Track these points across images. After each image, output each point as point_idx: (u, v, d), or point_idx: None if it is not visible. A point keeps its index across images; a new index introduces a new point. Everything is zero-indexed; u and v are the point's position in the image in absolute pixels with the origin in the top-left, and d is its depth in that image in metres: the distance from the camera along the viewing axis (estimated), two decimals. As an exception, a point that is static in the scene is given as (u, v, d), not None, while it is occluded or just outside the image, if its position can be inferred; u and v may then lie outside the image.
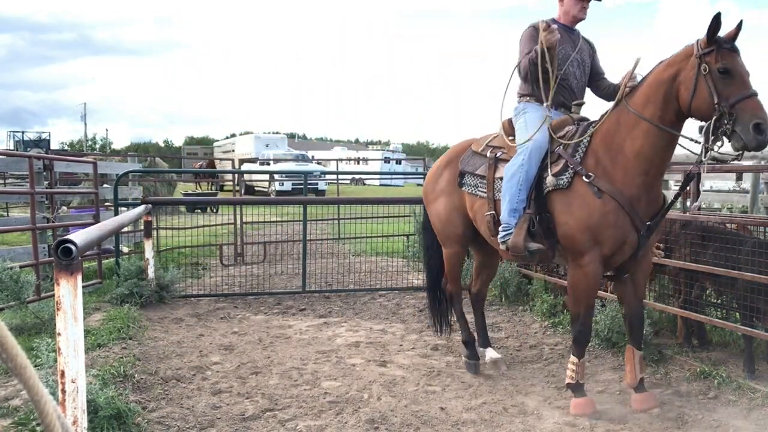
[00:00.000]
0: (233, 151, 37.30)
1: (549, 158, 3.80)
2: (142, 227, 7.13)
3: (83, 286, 3.45)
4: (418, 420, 3.64)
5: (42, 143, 37.60)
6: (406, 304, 6.89)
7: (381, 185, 33.34)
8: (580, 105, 4.10)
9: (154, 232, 8.19)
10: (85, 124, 59.48)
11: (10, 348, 0.90)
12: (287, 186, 22.69)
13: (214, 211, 14.58)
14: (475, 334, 4.85)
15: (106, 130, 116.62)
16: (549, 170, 3.74)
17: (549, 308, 6.01)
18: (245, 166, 23.74)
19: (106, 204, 8.78)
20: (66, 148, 57.23)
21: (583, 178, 3.61)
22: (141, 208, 6.43)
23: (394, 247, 10.55)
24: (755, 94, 3.20)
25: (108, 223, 3.87)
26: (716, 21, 3.22)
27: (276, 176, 22.27)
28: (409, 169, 38.23)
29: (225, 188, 20.11)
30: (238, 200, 11.22)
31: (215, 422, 3.61)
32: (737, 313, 4.56)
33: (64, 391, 2.40)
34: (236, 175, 14.08)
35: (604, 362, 4.77)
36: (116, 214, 6.88)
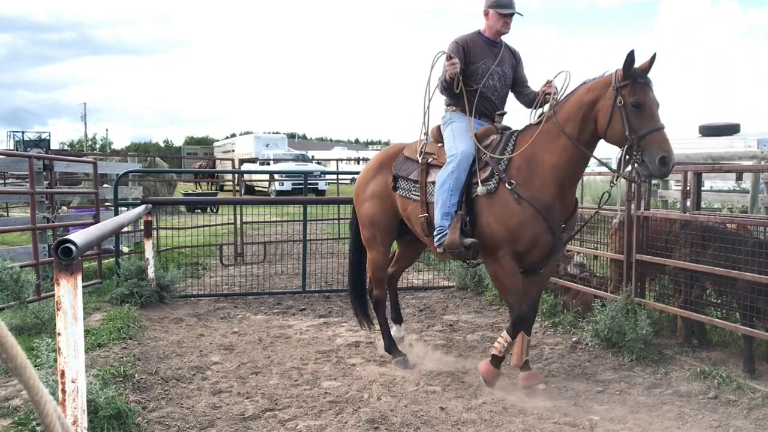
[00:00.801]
0: (233, 151, 37.27)
1: (477, 165, 4.10)
2: (142, 227, 7.13)
3: (83, 286, 3.45)
4: (418, 420, 3.64)
5: (42, 143, 37.64)
6: (406, 304, 6.89)
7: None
8: (502, 115, 4.43)
9: (154, 232, 8.19)
10: (85, 124, 59.62)
11: (10, 348, 0.90)
12: (287, 186, 22.68)
13: (214, 211, 14.58)
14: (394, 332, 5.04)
15: (106, 130, 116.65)
16: (477, 176, 4.05)
17: (549, 308, 6.01)
18: (245, 166, 23.73)
19: (106, 204, 8.78)
20: (66, 148, 57.29)
21: (506, 185, 3.95)
22: (141, 208, 6.43)
23: (394, 246, 10.54)
24: (662, 128, 3.59)
25: (108, 223, 3.87)
26: (630, 57, 3.58)
27: (276, 176, 22.27)
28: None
29: (225, 188, 20.11)
30: (238, 200, 11.22)
31: (215, 422, 3.61)
32: (737, 313, 4.56)
33: (64, 391, 2.40)
34: (236, 175, 14.06)
35: (604, 362, 4.77)
36: (116, 214, 6.89)
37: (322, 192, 22.23)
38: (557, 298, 6.19)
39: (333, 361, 4.80)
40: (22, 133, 40.72)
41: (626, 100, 3.60)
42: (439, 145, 4.42)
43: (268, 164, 25.61)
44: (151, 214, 6.98)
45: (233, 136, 54.51)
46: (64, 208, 9.81)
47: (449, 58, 4.17)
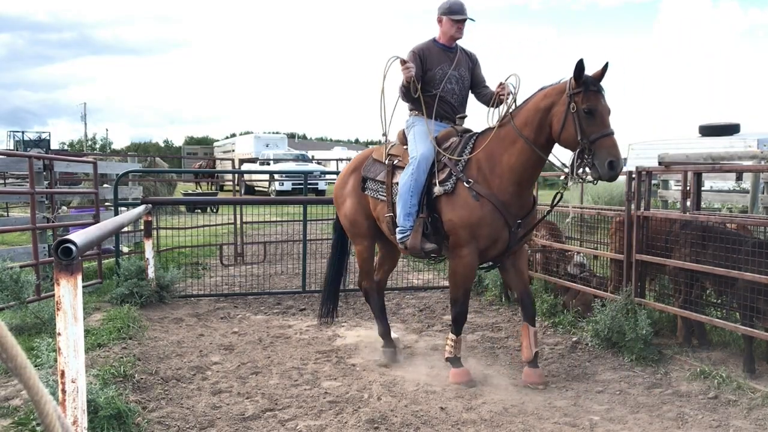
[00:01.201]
0: (233, 151, 37.25)
1: (436, 167, 4.30)
2: (142, 227, 7.13)
3: (83, 286, 3.45)
4: (418, 420, 3.64)
5: (42, 143, 37.63)
6: (406, 304, 6.90)
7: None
8: (463, 118, 4.63)
9: (154, 232, 8.18)
10: (85, 124, 59.58)
11: (10, 348, 0.90)
12: (287, 186, 22.68)
13: (214, 211, 14.58)
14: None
15: (106, 130, 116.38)
16: (436, 178, 4.25)
17: (549, 308, 6.01)
18: (245, 166, 23.72)
19: (106, 204, 8.77)
20: (66, 148, 57.26)
21: (464, 183, 4.15)
22: (141, 208, 6.43)
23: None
24: (612, 133, 3.80)
25: (108, 223, 3.87)
26: (580, 66, 3.79)
27: (276, 176, 22.27)
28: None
29: (225, 188, 20.11)
30: (238, 200, 11.22)
31: (215, 422, 3.61)
32: (737, 313, 4.56)
33: (64, 391, 2.40)
34: (236, 175, 14.06)
35: (605, 362, 4.77)
36: (116, 214, 6.88)
37: (322, 192, 22.21)
38: (557, 298, 6.19)
39: (333, 361, 4.80)
40: (22, 133, 40.75)
41: (579, 107, 3.79)
42: (404, 147, 4.62)
43: (268, 164, 25.60)
44: (151, 214, 6.98)
45: (233, 136, 54.45)
46: (64, 208, 9.80)
47: (403, 62, 4.33)
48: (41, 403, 0.94)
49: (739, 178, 8.45)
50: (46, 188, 6.89)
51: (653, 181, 7.36)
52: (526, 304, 4.43)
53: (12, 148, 35.87)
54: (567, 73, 3.95)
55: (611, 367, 4.65)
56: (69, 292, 2.37)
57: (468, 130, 4.54)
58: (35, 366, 3.44)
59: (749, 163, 7.37)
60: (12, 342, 0.90)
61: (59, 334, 2.38)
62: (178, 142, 70.34)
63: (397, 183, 4.44)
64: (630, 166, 10.66)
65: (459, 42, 4.64)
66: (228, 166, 24.85)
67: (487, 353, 5.07)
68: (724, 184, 11.57)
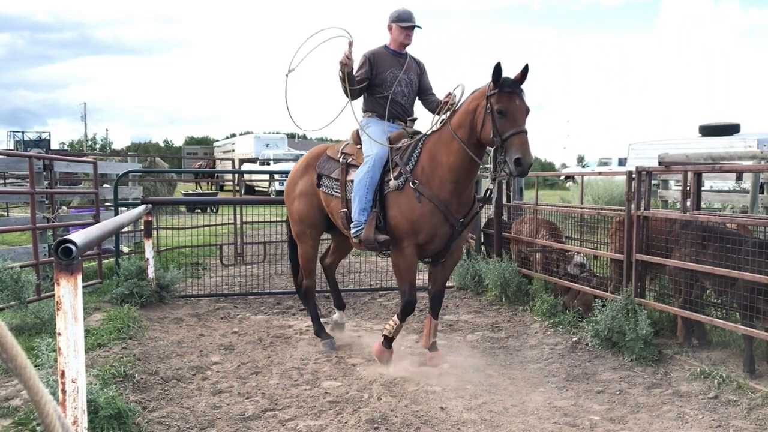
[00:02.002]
0: (233, 151, 37.24)
1: (389, 165, 4.55)
2: (142, 227, 7.13)
3: (83, 286, 3.44)
4: (419, 420, 3.64)
5: (42, 143, 37.61)
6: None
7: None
8: (414, 120, 4.89)
9: (154, 232, 8.18)
10: (85, 124, 59.52)
11: (10, 348, 0.90)
12: (287, 186, 22.59)
13: (214, 211, 14.58)
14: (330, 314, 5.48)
15: (106, 130, 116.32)
16: (390, 175, 4.51)
17: (549, 308, 6.01)
18: (245, 166, 23.70)
19: (106, 204, 8.77)
20: (66, 148, 57.26)
21: (411, 184, 4.41)
22: (141, 208, 6.43)
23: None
24: (521, 132, 3.99)
25: (108, 223, 3.87)
26: (497, 69, 4.02)
27: (276, 176, 22.26)
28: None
29: (225, 188, 20.11)
30: (238, 200, 11.21)
31: (215, 422, 3.61)
32: (737, 313, 4.56)
33: (64, 391, 2.40)
34: (236, 175, 14.05)
35: (605, 362, 4.77)
36: (116, 214, 6.88)
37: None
38: (557, 298, 6.19)
39: (333, 361, 4.80)
40: (22, 133, 40.72)
41: (494, 107, 4.04)
42: (358, 146, 4.84)
43: (268, 164, 25.60)
44: (151, 214, 6.97)
45: (233, 136, 54.40)
46: (64, 208, 9.80)
47: (350, 45, 4.50)
48: (41, 403, 0.94)
49: (739, 178, 8.45)
50: (46, 188, 6.89)
51: (653, 181, 7.36)
52: (436, 300, 4.82)
53: (12, 148, 35.87)
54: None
55: (611, 367, 4.65)
56: (69, 292, 2.37)
57: (418, 132, 4.77)
58: (35, 366, 3.44)
59: (749, 163, 7.37)
60: (12, 342, 0.90)
61: (59, 334, 2.38)
62: (178, 142, 70.34)
63: (352, 180, 4.66)
64: (630, 166, 10.66)
65: (408, 49, 4.92)
66: (228, 166, 24.85)
67: (487, 353, 5.07)
68: (724, 184, 11.57)
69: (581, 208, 6.83)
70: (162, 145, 70.69)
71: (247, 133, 43.13)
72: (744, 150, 14.06)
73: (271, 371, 4.54)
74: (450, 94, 4.53)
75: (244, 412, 3.76)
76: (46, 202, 6.91)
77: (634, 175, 5.31)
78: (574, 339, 5.31)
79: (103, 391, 3.34)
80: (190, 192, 18.07)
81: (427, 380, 4.35)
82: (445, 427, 3.56)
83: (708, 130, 18.77)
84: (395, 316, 4.70)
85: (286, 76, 4.66)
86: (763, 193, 8.05)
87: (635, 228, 5.21)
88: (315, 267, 5.41)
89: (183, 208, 14.51)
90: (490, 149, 4.18)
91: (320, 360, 4.83)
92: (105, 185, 9.89)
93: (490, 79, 4.10)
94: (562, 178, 31.51)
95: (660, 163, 5.83)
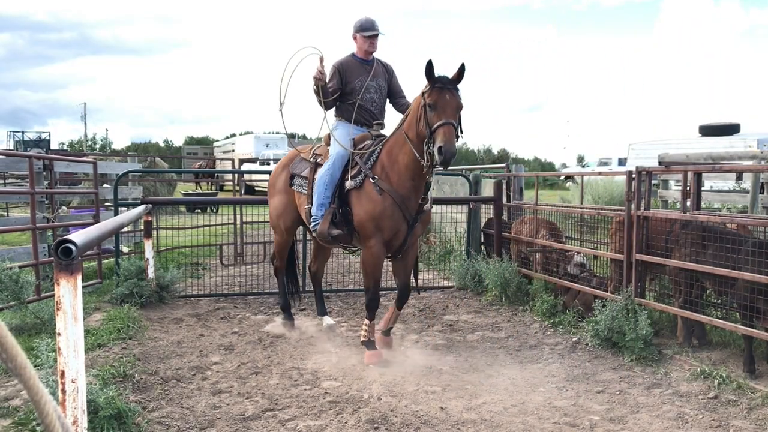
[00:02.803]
0: (233, 151, 37.24)
1: (350, 164, 4.85)
2: (142, 227, 7.13)
3: (83, 286, 3.45)
4: (419, 420, 3.64)
5: (42, 143, 37.60)
6: (406, 303, 6.88)
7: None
8: (380, 124, 5.17)
9: (154, 232, 8.18)
10: (85, 124, 59.61)
11: (10, 348, 0.90)
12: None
13: (214, 211, 14.57)
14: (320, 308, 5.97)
15: (106, 130, 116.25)
16: (349, 174, 4.80)
17: (549, 308, 6.01)
18: (245, 166, 23.68)
19: (106, 204, 8.77)
20: (66, 148, 57.24)
21: (370, 180, 4.69)
22: (141, 208, 6.42)
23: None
24: (446, 124, 4.21)
25: (108, 223, 3.87)
26: (429, 66, 4.31)
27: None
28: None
29: (225, 188, 20.10)
30: (238, 200, 11.20)
31: (215, 422, 3.61)
32: (737, 313, 4.56)
33: (64, 391, 2.40)
34: (236, 175, 14.04)
35: (605, 362, 4.77)
36: (116, 214, 6.88)
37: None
38: (557, 298, 6.19)
39: (333, 361, 4.80)
40: (22, 133, 40.70)
41: (426, 102, 4.33)
42: (328, 148, 5.13)
43: (268, 164, 25.58)
44: (151, 214, 6.97)
45: (233, 136, 54.38)
46: (64, 208, 9.80)
47: (321, 61, 4.83)
48: (41, 403, 0.94)
49: (739, 178, 8.44)
50: (46, 188, 6.89)
51: (653, 181, 7.36)
52: (402, 293, 5.12)
53: (12, 148, 35.86)
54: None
55: (611, 367, 4.65)
56: (69, 292, 2.37)
57: (381, 135, 5.06)
58: (35, 366, 3.44)
59: (749, 163, 7.37)
60: (12, 342, 0.90)
61: (59, 334, 2.38)
62: (178, 142, 70.33)
63: None
64: (630, 166, 10.65)
65: (376, 54, 5.16)
66: (228, 166, 24.84)
67: (487, 353, 5.07)
68: (724, 184, 11.57)
69: (581, 208, 6.82)
70: (162, 145, 70.72)
71: (247, 133, 43.11)
72: (744, 150, 14.06)
73: (271, 371, 4.54)
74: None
75: (244, 412, 3.76)
76: (46, 202, 6.91)
77: (634, 175, 5.31)
78: (574, 339, 5.31)
79: (102, 391, 3.34)
80: (190, 192, 18.06)
81: (427, 380, 4.36)
82: (445, 427, 3.56)
83: (708, 130, 18.77)
84: (365, 319, 4.96)
85: (280, 111, 5.01)
86: (763, 193, 8.05)
87: (635, 228, 5.21)
88: (286, 253, 5.87)
89: (183, 208, 14.51)
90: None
91: (320, 360, 4.83)
92: (105, 185, 9.88)
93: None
94: (562, 178, 31.51)
95: (660, 163, 5.82)
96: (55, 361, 2.53)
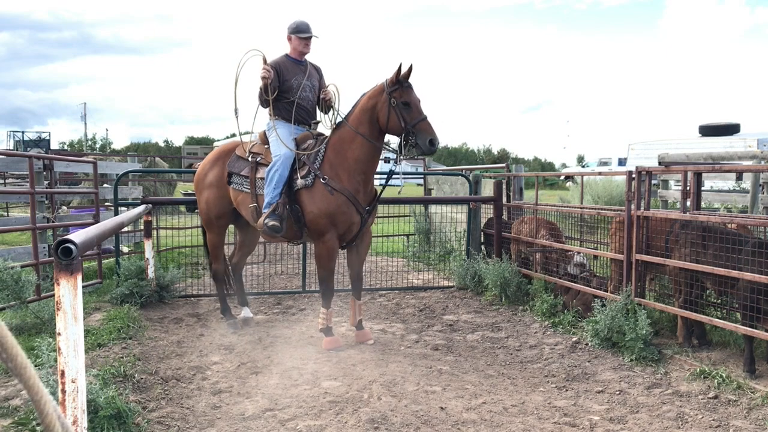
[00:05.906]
0: (233, 151, 37.16)
1: (297, 164, 5.06)
2: (142, 227, 7.13)
3: (83, 286, 3.45)
4: (419, 420, 3.64)
5: (42, 143, 37.59)
6: (406, 304, 6.89)
7: (380, 185, 33.22)
8: (317, 123, 5.40)
9: (154, 232, 8.18)
10: (85, 123, 59.55)
11: (10, 348, 0.90)
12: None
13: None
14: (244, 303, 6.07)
15: (106, 129, 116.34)
16: (298, 174, 5.02)
17: (549, 308, 6.01)
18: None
19: (106, 204, 8.77)
20: (66, 147, 57.24)
21: (321, 180, 4.94)
22: (141, 208, 6.42)
23: (394, 247, 10.55)
24: (426, 118, 4.75)
25: (108, 223, 3.86)
26: (410, 70, 4.74)
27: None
28: (409, 169, 38.16)
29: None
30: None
31: (215, 422, 3.61)
32: (737, 313, 4.56)
33: (64, 391, 2.40)
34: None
35: (604, 362, 4.77)
36: (116, 214, 6.88)
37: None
38: (557, 298, 6.19)
39: (333, 361, 4.80)
40: (22, 133, 40.68)
41: (398, 101, 4.75)
42: (266, 147, 5.33)
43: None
44: (151, 214, 6.97)
45: (233, 136, 54.35)
46: (64, 208, 9.81)
47: (265, 62, 5.02)
48: (41, 403, 0.94)
49: (739, 178, 8.44)
50: (46, 188, 6.89)
51: (653, 181, 7.36)
52: (356, 282, 5.39)
53: (12, 148, 35.86)
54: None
55: (611, 367, 4.65)
56: (69, 292, 2.37)
57: (321, 134, 5.30)
58: (35, 366, 3.44)
59: (749, 163, 7.37)
60: (12, 342, 0.90)
61: (59, 334, 2.38)
62: (178, 142, 70.30)
63: (261, 178, 5.19)
64: (630, 166, 10.66)
65: (307, 57, 5.37)
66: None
67: (487, 353, 5.07)
68: (724, 184, 11.57)
69: (581, 208, 6.82)
70: (162, 145, 70.68)
71: (247, 133, 43.07)
72: (744, 150, 14.07)
73: (271, 371, 4.54)
74: (325, 90, 5.27)
75: (244, 412, 3.76)
76: (46, 202, 6.91)
77: (634, 175, 5.31)
78: (573, 339, 5.31)
79: (103, 391, 3.34)
80: (190, 192, 18.04)
81: (427, 380, 4.36)
82: (445, 427, 3.56)
83: (708, 130, 18.78)
84: (321, 308, 5.17)
85: (236, 117, 5.20)
86: (763, 193, 8.05)
87: (635, 228, 5.21)
88: (222, 253, 5.98)
89: (183, 208, 14.50)
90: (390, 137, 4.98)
91: (320, 360, 4.82)
92: (105, 185, 9.89)
93: (387, 77, 4.81)
94: (562, 178, 31.52)
95: (660, 163, 5.83)
96: (55, 361, 2.53)
